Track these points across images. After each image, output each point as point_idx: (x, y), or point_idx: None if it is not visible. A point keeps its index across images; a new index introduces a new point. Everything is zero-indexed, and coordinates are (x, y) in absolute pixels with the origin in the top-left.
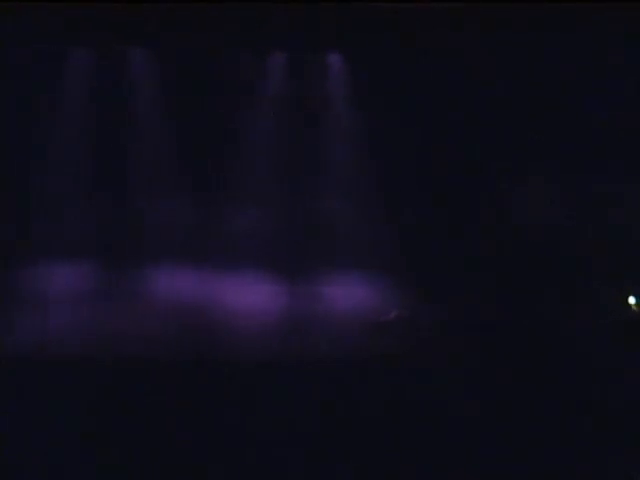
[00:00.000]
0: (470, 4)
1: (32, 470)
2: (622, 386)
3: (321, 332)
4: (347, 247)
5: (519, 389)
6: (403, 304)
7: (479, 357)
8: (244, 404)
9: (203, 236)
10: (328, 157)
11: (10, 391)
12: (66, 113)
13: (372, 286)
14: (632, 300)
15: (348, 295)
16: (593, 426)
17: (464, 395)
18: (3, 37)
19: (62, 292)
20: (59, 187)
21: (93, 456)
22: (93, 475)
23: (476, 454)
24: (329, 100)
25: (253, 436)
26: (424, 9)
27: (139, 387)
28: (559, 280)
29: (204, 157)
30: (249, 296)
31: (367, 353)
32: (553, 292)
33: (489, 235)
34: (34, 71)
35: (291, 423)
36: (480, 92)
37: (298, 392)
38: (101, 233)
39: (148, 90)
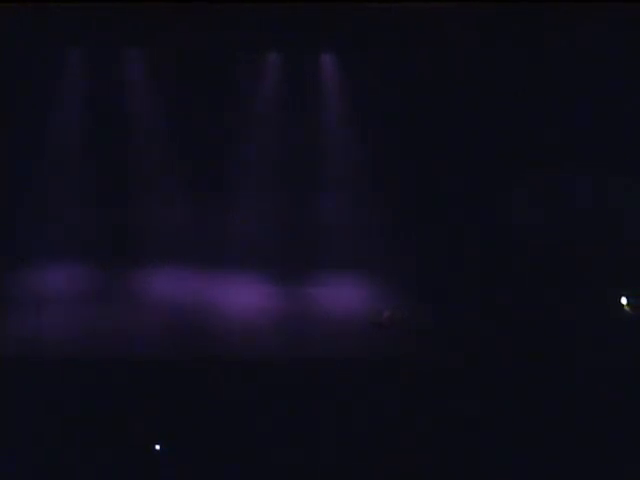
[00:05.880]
0: (469, 4)
1: (31, 469)
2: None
3: (319, 332)
4: (345, 247)
5: (518, 389)
6: (400, 304)
7: (478, 357)
8: (243, 403)
9: (200, 237)
10: (326, 157)
11: (9, 391)
12: (65, 113)
13: (370, 286)
14: (624, 300)
15: (345, 295)
16: (592, 426)
17: (463, 394)
18: (3, 37)
19: (62, 293)
20: (58, 187)
21: (92, 455)
22: (93, 474)
23: (476, 454)
24: (325, 100)
25: (251, 435)
26: (423, 9)
27: (138, 386)
28: (559, 280)
29: (202, 157)
30: (247, 296)
31: (364, 352)
32: (553, 292)
33: (488, 236)
34: (34, 71)
35: (290, 422)
36: (479, 92)
37: (297, 391)
38: (100, 233)
39: (147, 90)
